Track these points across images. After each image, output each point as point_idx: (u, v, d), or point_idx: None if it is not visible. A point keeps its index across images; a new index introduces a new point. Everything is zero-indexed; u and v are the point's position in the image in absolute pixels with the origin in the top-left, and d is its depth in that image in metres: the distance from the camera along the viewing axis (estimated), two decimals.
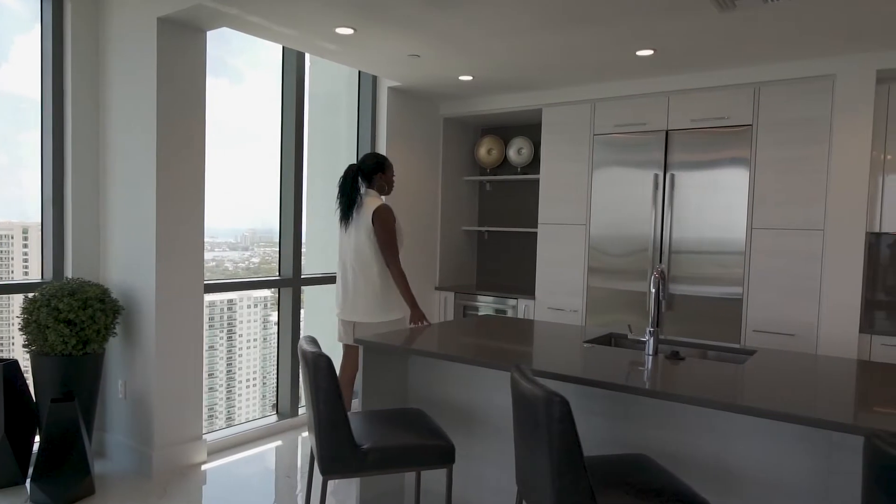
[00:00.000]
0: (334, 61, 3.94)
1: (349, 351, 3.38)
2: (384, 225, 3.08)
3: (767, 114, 3.70)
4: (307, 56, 4.08)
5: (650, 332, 2.46)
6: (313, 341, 2.23)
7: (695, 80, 3.92)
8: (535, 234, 5.06)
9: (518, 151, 5.13)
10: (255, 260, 4.29)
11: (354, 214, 3.15)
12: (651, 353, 2.46)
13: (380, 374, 2.71)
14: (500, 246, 5.45)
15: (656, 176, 4.04)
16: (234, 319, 4.18)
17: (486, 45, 3.49)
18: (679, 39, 3.29)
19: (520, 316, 4.68)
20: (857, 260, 3.44)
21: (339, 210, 3.19)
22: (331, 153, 4.78)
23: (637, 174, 4.14)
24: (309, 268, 4.65)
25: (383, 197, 3.32)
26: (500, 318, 3.35)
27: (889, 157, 3.55)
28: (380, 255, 3.12)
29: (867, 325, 3.56)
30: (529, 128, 5.26)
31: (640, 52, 3.54)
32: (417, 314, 3.17)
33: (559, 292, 4.50)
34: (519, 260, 5.34)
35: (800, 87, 3.61)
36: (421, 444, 2.13)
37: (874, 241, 3.85)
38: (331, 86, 4.89)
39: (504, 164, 5.40)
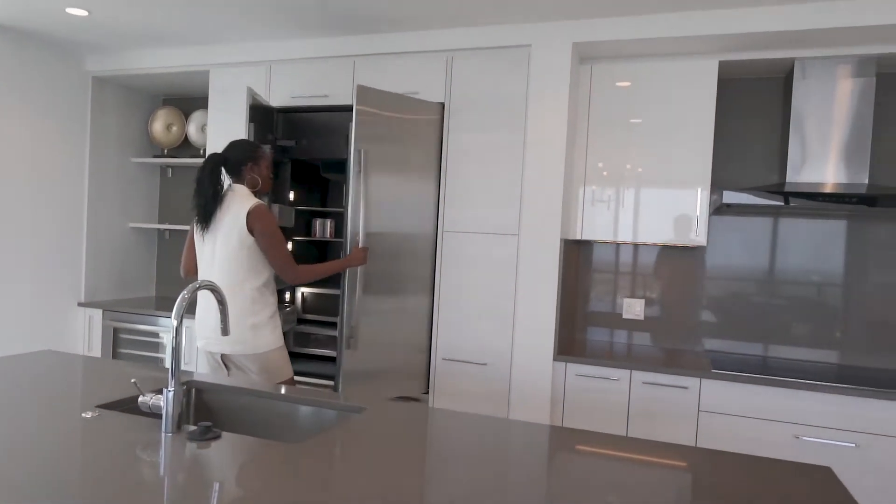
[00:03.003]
0: None
1: None
2: (267, 227, 2.37)
3: (461, 90, 3.00)
4: None
5: (168, 393, 1.49)
6: None
7: (384, 43, 3.12)
8: None
9: (201, 128, 4.01)
10: None
11: (217, 218, 2.42)
12: (168, 430, 1.49)
13: None
14: None
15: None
16: None
17: None
18: None
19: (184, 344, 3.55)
20: (551, 272, 2.84)
21: (195, 212, 2.42)
22: None
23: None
24: None
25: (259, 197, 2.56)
26: (72, 360, 2.20)
27: (591, 151, 3.02)
28: (257, 268, 2.42)
29: (564, 349, 2.99)
30: None
31: None
32: (357, 257, 2.72)
33: None
34: None
35: (495, 58, 2.95)
36: None
37: (574, 249, 3.34)
38: None
39: (186, 144, 4.24)
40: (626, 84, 2.95)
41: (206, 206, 2.36)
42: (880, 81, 2.91)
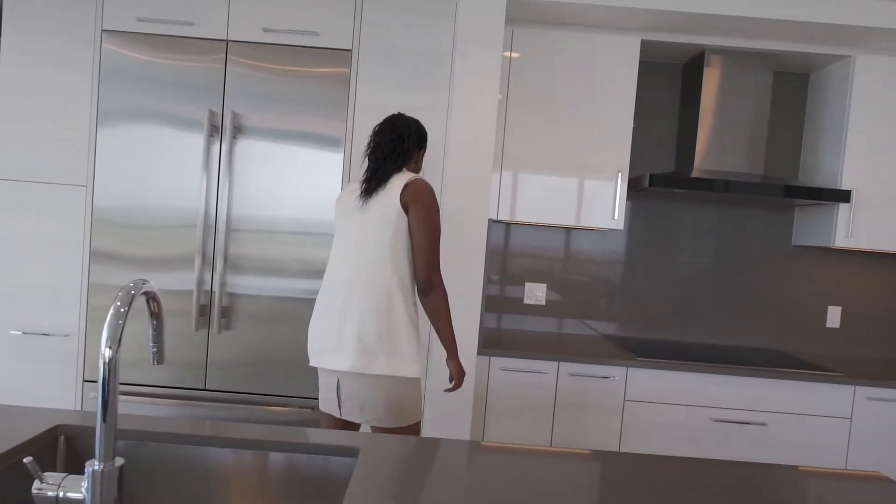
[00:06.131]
0: None
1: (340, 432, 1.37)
2: (428, 209, 1.78)
3: (373, 37, 2.51)
4: None
5: (92, 472, 0.89)
6: None
7: None
8: None
9: None
10: None
11: (373, 197, 1.82)
12: None
13: None
14: None
15: (211, 113, 2.48)
16: None
17: None
18: None
19: None
20: (477, 257, 2.54)
21: (364, 177, 1.86)
22: None
23: (177, 107, 2.50)
24: None
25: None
26: None
27: (508, 121, 2.76)
28: (409, 261, 1.80)
29: (487, 343, 2.73)
30: None
31: None
32: (459, 368, 1.88)
33: (39, 302, 2.55)
34: None
35: (416, 4, 2.51)
36: None
37: (490, 231, 3.09)
38: None
39: None
40: (549, 53, 2.73)
41: (378, 177, 1.83)
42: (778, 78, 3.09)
